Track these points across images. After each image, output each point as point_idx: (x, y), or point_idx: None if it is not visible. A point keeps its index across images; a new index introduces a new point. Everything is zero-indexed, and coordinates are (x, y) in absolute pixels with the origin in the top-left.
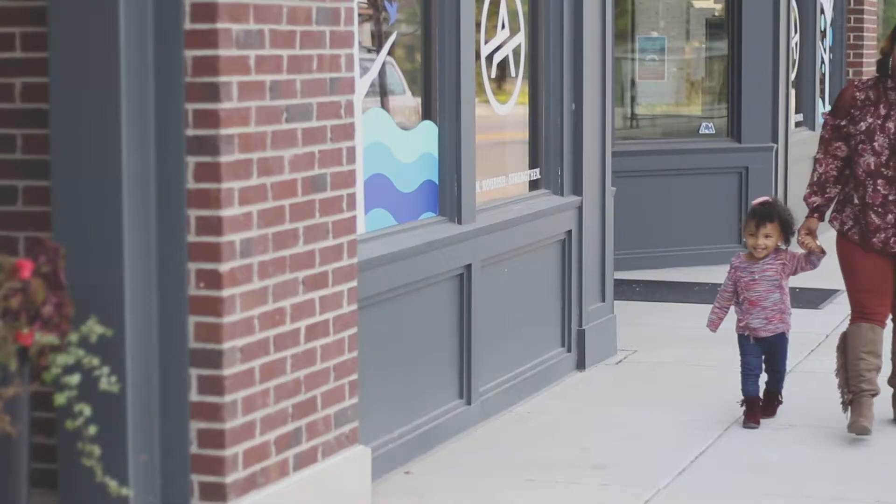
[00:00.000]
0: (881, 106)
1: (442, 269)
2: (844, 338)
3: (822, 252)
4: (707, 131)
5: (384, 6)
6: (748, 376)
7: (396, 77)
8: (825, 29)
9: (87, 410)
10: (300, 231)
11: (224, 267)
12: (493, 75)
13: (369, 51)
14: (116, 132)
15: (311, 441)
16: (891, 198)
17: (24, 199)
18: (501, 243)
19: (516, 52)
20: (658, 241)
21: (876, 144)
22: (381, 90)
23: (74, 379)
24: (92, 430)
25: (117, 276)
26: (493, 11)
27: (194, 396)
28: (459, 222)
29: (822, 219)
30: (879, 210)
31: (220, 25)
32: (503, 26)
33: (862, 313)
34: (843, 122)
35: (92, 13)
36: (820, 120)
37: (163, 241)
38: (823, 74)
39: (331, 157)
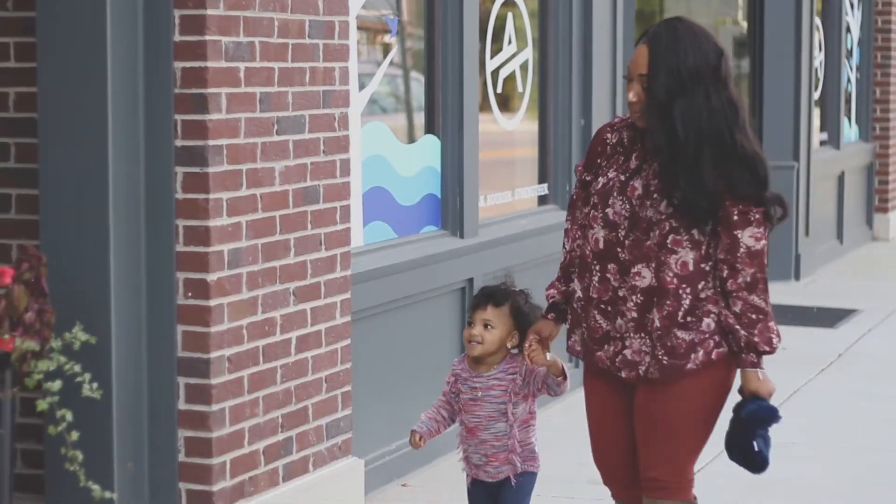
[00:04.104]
0: (634, 156)
1: (442, 282)
2: None
3: (563, 374)
4: None
5: (385, 20)
6: None
7: (398, 91)
8: (851, 48)
9: (68, 416)
10: (291, 242)
11: (212, 277)
12: (500, 90)
13: (375, 64)
14: (104, 141)
15: (302, 451)
16: (621, 293)
17: (18, 207)
18: (506, 258)
19: (524, 67)
20: None
21: (610, 211)
22: (382, 103)
23: (56, 385)
24: (74, 435)
25: (104, 284)
26: (500, 27)
27: (182, 405)
28: (461, 236)
29: (562, 319)
30: (607, 310)
31: (208, 37)
32: (510, 41)
33: (608, 486)
34: (589, 177)
35: (80, 22)
36: (846, 139)
37: (151, 251)
38: (850, 94)
39: (324, 170)
